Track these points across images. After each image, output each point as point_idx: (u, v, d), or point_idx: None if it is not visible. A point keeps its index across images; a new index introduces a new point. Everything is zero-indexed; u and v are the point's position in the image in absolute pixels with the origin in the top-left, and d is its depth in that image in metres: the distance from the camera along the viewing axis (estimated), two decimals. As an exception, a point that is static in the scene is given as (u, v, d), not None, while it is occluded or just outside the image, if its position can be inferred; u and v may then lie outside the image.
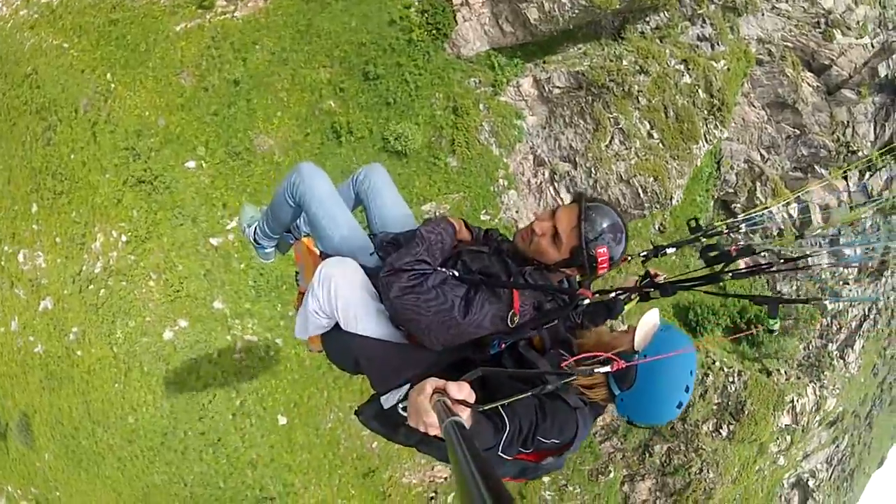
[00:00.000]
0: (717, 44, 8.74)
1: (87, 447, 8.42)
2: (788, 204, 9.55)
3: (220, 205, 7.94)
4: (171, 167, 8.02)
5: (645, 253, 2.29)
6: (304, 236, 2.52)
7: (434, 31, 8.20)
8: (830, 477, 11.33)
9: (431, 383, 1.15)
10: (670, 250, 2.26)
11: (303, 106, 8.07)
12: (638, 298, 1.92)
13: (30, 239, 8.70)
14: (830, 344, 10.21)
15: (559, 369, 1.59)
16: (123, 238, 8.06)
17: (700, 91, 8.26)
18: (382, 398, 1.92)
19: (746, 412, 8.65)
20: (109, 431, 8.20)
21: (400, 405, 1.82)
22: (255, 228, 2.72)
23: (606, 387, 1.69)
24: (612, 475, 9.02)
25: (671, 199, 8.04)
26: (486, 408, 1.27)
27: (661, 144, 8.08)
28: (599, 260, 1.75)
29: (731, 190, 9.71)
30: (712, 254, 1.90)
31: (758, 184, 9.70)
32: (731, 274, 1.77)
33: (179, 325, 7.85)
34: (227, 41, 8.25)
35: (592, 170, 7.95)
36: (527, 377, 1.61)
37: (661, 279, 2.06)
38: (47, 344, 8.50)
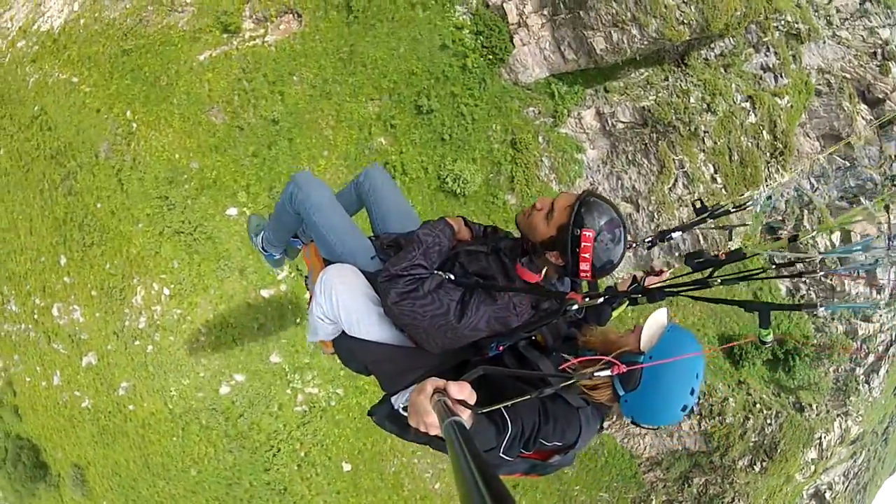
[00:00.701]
0: (781, 75, 8.25)
1: (148, 497, 8.30)
2: (832, 232, 9.49)
3: (269, 255, 7.39)
4: (211, 216, 7.42)
5: (650, 238, 2.21)
6: (312, 241, 2.50)
7: (490, 56, 7.48)
8: (846, 489, 11.86)
9: (432, 383, 1.13)
10: (676, 234, 2.17)
11: (351, 144, 7.41)
12: (627, 303, 1.86)
13: (63, 292, 8.16)
14: (858, 368, 10.36)
15: (560, 371, 1.56)
16: (166, 291, 7.56)
17: (764, 132, 7.83)
18: (393, 399, 1.92)
19: (779, 450, 8.92)
20: (171, 483, 8.05)
21: (401, 406, 1.85)
22: (262, 238, 2.77)
23: (611, 387, 1.63)
24: (653, 503, 9.25)
25: (729, 245, 7.76)
26: (486, 410, 1.24)
27: (723, 190, 7.73)
28: (582, 246, 1.68)
29: (779, 217, 9.45)
30: (698, 260, 1.83)
31: (805, 212, 9.48)
32: (720, 280, 1.72)
33: (236, 379, 7.54)
34: (260, 72, 7.42)
35: (655, 214, 7.58)
36: (529, 377, 1.60)
37: (666, 275, 2.08)
38: (95, 398, 8.17)
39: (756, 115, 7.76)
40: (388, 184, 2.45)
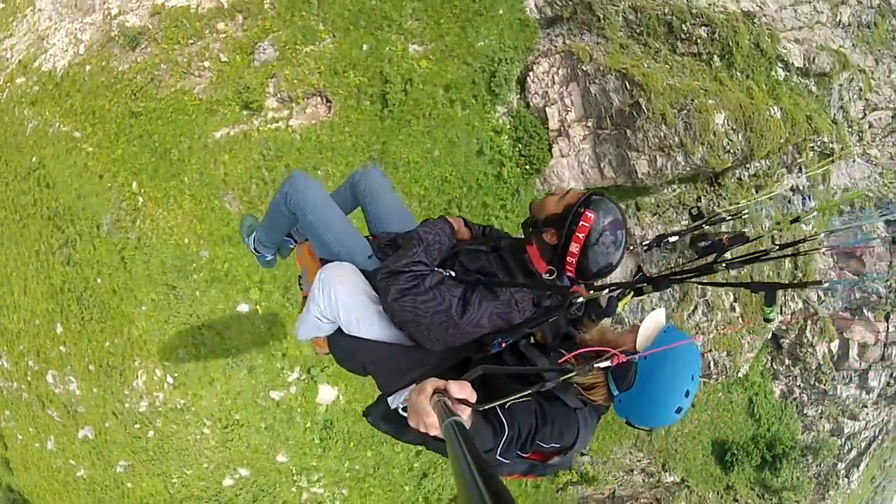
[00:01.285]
0: (809, 198, 7.93)
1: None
2: (831, 342, 9.54)
3: (280, 355, 7.08)
4: (221, 310, 6.97)
5: (647, 242, 2.20)
6: (305, 240, 2.48)
7: (527, 166, 7.00)
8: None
9: (431, 383, 1.12)
10: (673, 239, 2.17)
11: (374, 251, 6.90)
12: (632, 294, 1.85)
13: (58, 361, 7.73)
14: (840, 463, 10.63)
15: (558, 366, 1.56)
16: (169, 379, 7.22)
17: (787, 261, 7.51)
18: (389, 399, 1.90)
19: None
20: (169, 558, 7.98)
21: (400, 406, 1.82)
22: (255, 238, 2.72)
23: (606, 387, 1.64)
24: None
25: (738, 372, 7.68)
26: (486, 407, 1.24)
27: (740, 319, 7.51)
28: (581, 223, 1.69)
29: (783, 328, 9.37)
30: (703, 244, 1.84)
31: (808, 322, 9.40)
32: (724, 264, 1.71)
33: (240, 473, 7.36)
34: (282, 162, 6.80)
35: (670, 342, 7.44)
36: (526, 378, 1.59)
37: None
38: (91, 470, 7.93)
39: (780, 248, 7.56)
40: (385, 184, 2.42)
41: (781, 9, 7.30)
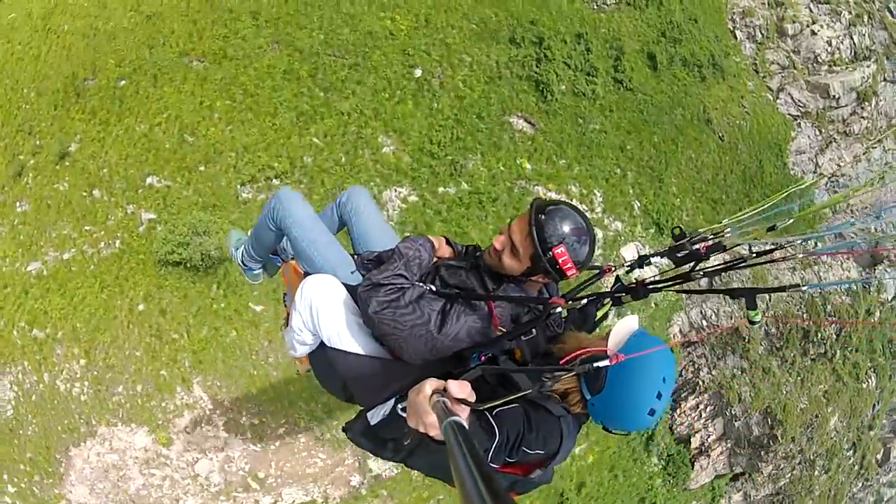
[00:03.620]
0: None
1: None
2: None
3: None
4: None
5: (629, 263, 2.22)
6: (291, 258, 2.49)
7: (671, 478, 7.92)
8: None
9: (431, 383, 1.12)
10: (655, 259, 2.19)
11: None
12: (611, 303, 1.88)
13: None
14: None
15: (552, 371, 1.55)
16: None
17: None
18: (369, 414, 1.90)
19: None
20: None
21: (399, 406, 1.82)
22: (242, 252, 2.72)
23: (580, 392, 1.64)
24: None
25: None
26: (485, 406, 1.27)
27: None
28: (560, 261, 1.71)
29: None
30: (681, 254, 1.83)
31: None
32: (702, 273, 1.75)
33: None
34: None
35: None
36: (513, 385, 1.59)
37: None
38: None
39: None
40: (370, 205, 2.42)
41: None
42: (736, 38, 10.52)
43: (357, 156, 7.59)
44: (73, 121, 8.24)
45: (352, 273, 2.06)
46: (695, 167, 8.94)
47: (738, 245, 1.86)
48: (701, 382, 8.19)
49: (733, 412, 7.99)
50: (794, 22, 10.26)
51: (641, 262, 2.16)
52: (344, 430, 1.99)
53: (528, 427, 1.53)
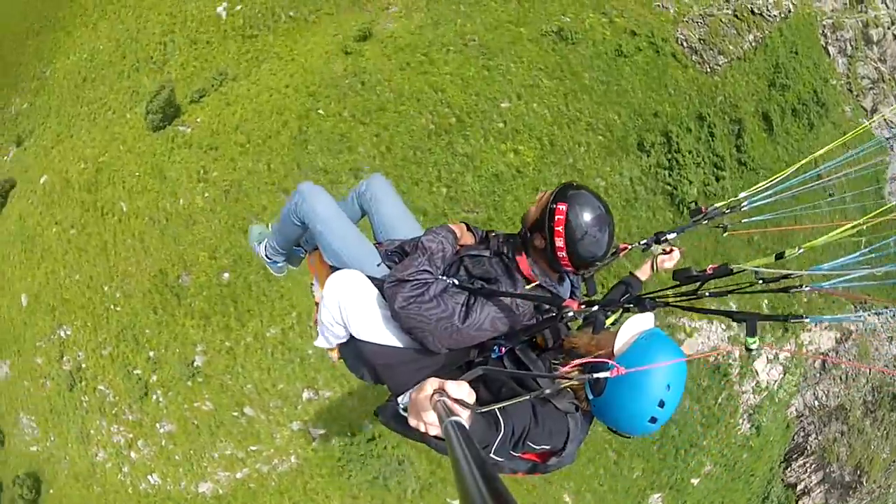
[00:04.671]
0: None
1: None
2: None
3: None
4: None
5: (646, 241, 2.19)
6: (315, 249, 2.47)
7: None
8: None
9: (431, 383, 1.09)
10: (671, 236, 2.14)
11: None
12: (621, 312, 1.88)
13: None
14: None
15: (551, 372, 1.62)
16: None
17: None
18: (399, 399, 1.96)
19: None
20: None
21: (401, 405, 1.87)
22: (265, 246, 2.68)
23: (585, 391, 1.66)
24: None
25: None
26: (484, 409, 1.26)
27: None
28: (556, 217, 1.74)
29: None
30: (686, 276, 1.82)
31: None
32: (708, 293, 1.75)
33: None
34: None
35: None
36: (522, 380, 1.64)
37: (677, 252, 2.13)
38: None
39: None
40: (390, 193, 2.38)
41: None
42: (829, 54, 9.67)
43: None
44: (184, 328, 7.43)
45: (377, 266, 2.06)
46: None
47: (744, 270, 1.73)
48: (809, 447, 9.61)
49: (831, 468, 9.45)
50: (877, 26, 9.35)
51: (658, 237, 2.14)
52: (375, 413, 2.03)
53: (534, 421, 1.54)
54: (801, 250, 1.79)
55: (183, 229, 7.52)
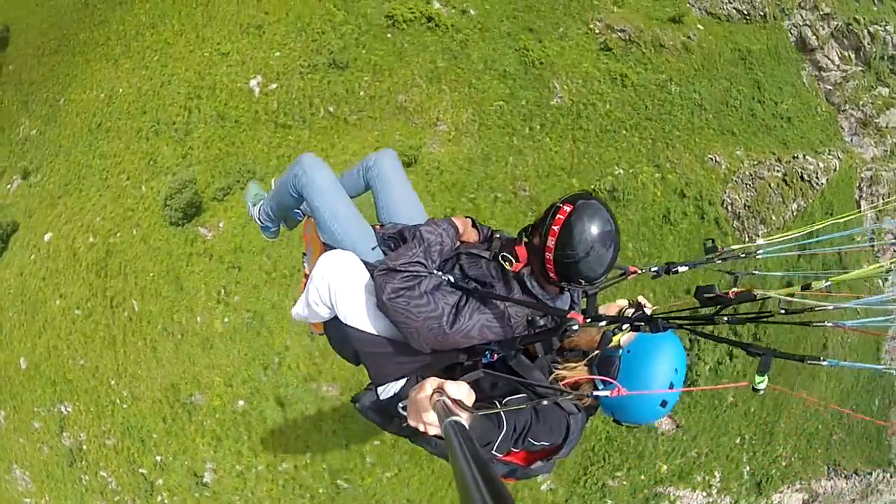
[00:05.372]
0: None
1: None
2: None
3: None
4: None
5: (656, 269, 2.10)
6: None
7: None
8: None
9: (431, 383, 1.09)
10: (682, 268, 2.05)
11: None
12: (629, 329, 1.77)
13: None
14: None
15: (551, 380, 1.60)
16: None
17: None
18: (379, 388, 1.91)
19: None
20: None
21: (400, 404, 1.82)
22: (260, 209, 2.56)
23: (591, 382, 1.65)
24: None
25: None
26: (483, 412, 1.27)
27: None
28: (557, 216, 1.64)
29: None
30: (707, 295, 1.72)
31: None
32: (727, 318, 1.64)
33: None
34: None
35: None
36: (524, 384, 1.61)
37: (648, 310, 1.86)
38: None
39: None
40: (398, 172, 2.25)
41: None
42: (860, 207, 9.55)
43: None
44: (194, 443, 7.28)
45: (372, 249, 1.98)
46: (804, 408, 8.71)
47: (769, 297, 1.62)
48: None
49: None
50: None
51: (669, 268, 2.05)
52: (353, 401, 1.97)
53: (535, 418, 1.54)
54: (829, 283, 1.68)
55: (199, 350, 7.21)
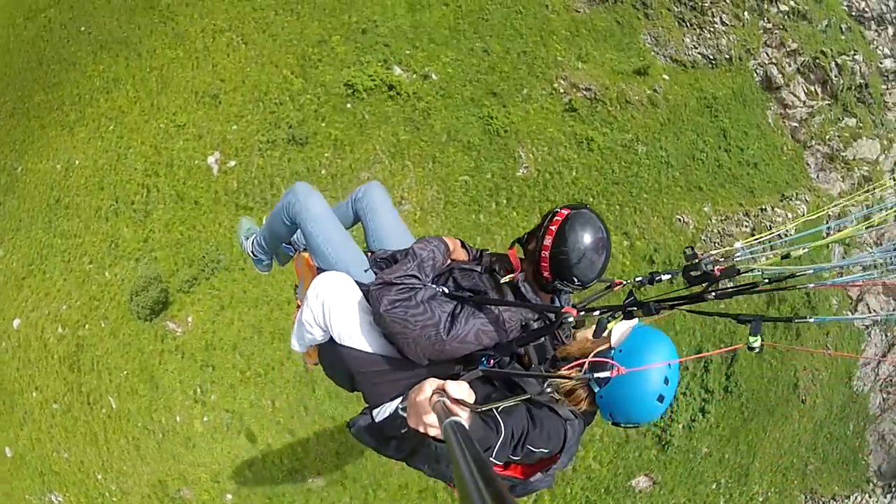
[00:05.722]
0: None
1: None
2: None
3: None
4: None
5: (640, 279, 2.21)
6: (304, 250, 2.49)
7: None
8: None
9: (431, 383, 1.11)
10: (665, 276, 2.15)
11: None
12: (622, 317, 1.83)
13: None
14: None
15: (554, 377, 1.64)
16: None
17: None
18: (374, 411, 1.91)
19: None
20: None
21: (399, 406, 1.82)
22: (253, 242, 2.66)
23: (586, 387, 1.65)
24: None
25: None
26: (483, 408, 1.27)
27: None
28: (554, 219, 1.76)
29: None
30: (695, 273, 1.82)
31: None
32: (714, 294, 1.74)
33: None
34: None
35: None
36: (513, 385, 1.65)
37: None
38: None
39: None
40: (386, 202, 2.36)
41: None
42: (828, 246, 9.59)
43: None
44: (186, 535, 7.44)
45: (365, 272, 2.03)
46: (777, 446, 9.09)
47: (752, 271, 1.74)
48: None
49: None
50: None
51: (652, 278, 2.15)
52: (348, 426, 1.98)
53: (531, 424, 1.54)
54: (807, 249, 1.85)
55: (182, 448, 7.26)
